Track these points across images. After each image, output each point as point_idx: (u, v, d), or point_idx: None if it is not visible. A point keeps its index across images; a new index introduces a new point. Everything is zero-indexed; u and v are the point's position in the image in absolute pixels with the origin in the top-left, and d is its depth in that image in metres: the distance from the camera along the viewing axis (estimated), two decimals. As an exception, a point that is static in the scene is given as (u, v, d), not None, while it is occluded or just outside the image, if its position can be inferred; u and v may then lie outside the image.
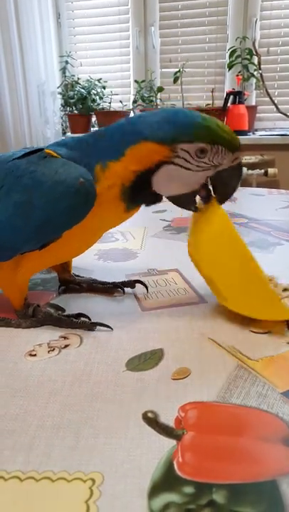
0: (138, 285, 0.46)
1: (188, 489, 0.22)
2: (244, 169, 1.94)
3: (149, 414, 0.27)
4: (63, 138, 0.40)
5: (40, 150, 0.37)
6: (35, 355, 0.34)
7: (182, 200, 0.38)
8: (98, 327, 0.38)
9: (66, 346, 0.35)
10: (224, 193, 0.39)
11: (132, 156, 0.35)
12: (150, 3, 2.12)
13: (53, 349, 0.35)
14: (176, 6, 2.09)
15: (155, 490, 0.22)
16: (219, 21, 2.05)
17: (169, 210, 0.80)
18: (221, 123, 0.36)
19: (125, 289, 0.46)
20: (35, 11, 2.08)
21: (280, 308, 0.37)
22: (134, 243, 0.62)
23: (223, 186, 0.38)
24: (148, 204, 0.39)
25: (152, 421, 0.27)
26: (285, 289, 0.45)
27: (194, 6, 2.06)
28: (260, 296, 0.37)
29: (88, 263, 0.54)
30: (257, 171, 1.96)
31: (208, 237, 0.39)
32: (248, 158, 1.97)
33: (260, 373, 0.31)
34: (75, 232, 0.35)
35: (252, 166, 1.98)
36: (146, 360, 0.33)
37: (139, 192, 0.36)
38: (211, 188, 0.38)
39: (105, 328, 0.38)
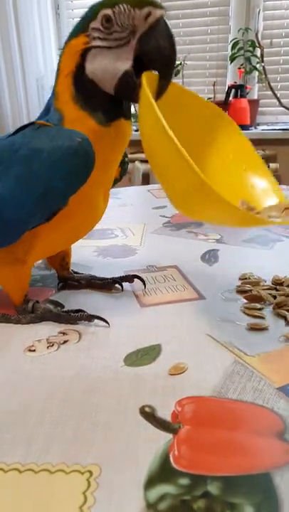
0: (137, 281, 0.46)
1: (184, 481, 0.22)
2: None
3: (146, 409, 0.28)
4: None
5: (32, 123, 0.37)
6: (34, 350, 0.35)
7: (124, 91, 0.34)
8: (96, 323, 0.38)
9: (65, 342, 0.36)
10: (157, 61, 0.33)
11: (63, 65, 0.35)
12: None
13: (52, 345, 0.36)
14: (178, -3, 2.07)
15: (151, 482, 0.22)
16: (221, 12, 2.03)
17: (169, 207, 0.80)
18: None
19: (124, 285, 0.46)
20: (34, 1, 2.06)
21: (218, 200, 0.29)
22: (133, 239, 0.63)
23: (151, 53, 0.33)
24: (115, 113, 0.36)
25: (149, 415, 0.27)
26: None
27: (196, -3, 2.04)
28: (195, 188, 0.31)
29: (88, 259, 0.54)
30: (258, 166, 1.95)
31: (140, 130, 0.34)
32: (249, 153, 1.96)
33: (256, 369, 0.32)
34: (78, 198, 0.35)
35: (253, 161, 1.97)
36: (143, 356, 0.34)
37: (89, 93, 0.35)
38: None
39: (103, 324, 0.38)
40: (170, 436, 0.25)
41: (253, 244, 0.59)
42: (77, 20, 0.36)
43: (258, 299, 0.42)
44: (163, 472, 0.23)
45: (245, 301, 0.42)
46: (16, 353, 0.34)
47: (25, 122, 1.44)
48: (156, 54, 0.33)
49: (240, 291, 0.44)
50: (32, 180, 0.34)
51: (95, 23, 0.33)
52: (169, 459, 0.24)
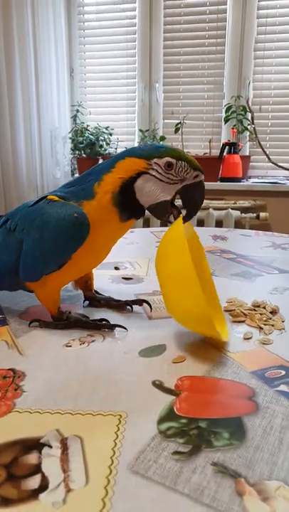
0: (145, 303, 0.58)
1: (183, 420, 0.33)
2: (238, 212, 2.11)
3: (157, 382, 0.39)
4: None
5: (45, 197, 0.49)
6: (70, 346, 0.46)
7: (158, 211, 0.47)
8: (116, 328, 0.50)
9: (93, 341, 0.47)
10: (190, 206, 0.48)
11: (119, 168, 0.46)
12: (155, 62, 2.38)
13: (84, 342, 0.47)
14: (178, 67, 2.35)
15: (161, 420, 0.33)
16: (216, 81, 2.30)
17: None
18: (183, 151, 0.47)
19: (134, 306, 0.58)
20: (53, 66, 2.33)
21: (209, 325, 0.43)
22: (140, 271, 0.75)
23: (188, 200, 0.47)
24: (136, 216, 0.48)
25: (159, 386, 0.38)
26: (272, 311, 0.56)
27: (194, 68, 2.32)
28: (195, 312, 0.43)
29: (106, 285, 0.66)
30: (250, 215, 2.13)
31: (161, 248, 0.46)
32: (241, 203, 2.14)
33: (236, 360, 0.43)
34: (82, 252, 0.48)
35: (245, 210, 2.15)
36: (153, 351, 0.45)
37: (126, 200, 0.46)
38: (179, 207, 0.48)
39: (122, 329, 0.50)
40: (174, 397, 0.36)
41: (240, 278, 0.72)
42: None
43: (240, 315, 0.54)
44: (169, 416, 0.34)
45: (231, 317, 0.54)
46: (56, 348, 0.46)
47: (38, 168, 1.73)
48: (193, 201, 0.48)
49: (227, 310, 0.56)
50: (44, 243, 0.47)
51: (158, 161, 0.45)
52: (173, 409, 0.35)
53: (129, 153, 0.47)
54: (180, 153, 0.46)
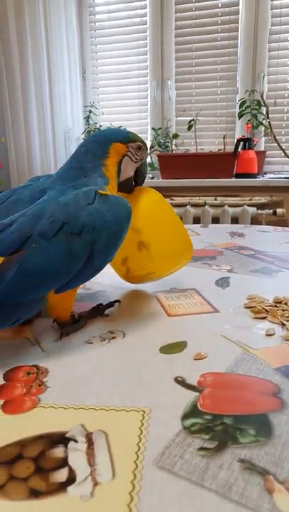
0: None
1: (208, 416, 0.33)
2: (254, 209, 2.09)
3: (179, 378, 0.39)
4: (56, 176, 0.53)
5: (96, 192, 0.47)
6: (92, 343, 0.46)
7: (126, 185, 0.57)
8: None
9: (113, 338, 0.48)
10: (141, 177, 0.59)
11: (112, 153, 0.53)
12: (167, 59, 2.37)
13: (104, 339, 0.47)
14: (191, 63, 2.34)
15: (185, 416, 0.33)
16: (230, 76, 2.28)
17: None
18: None
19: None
20: (66, 67, 2.35)
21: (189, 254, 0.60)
22: (158, 268, 0.75)
23: (141, 173, 0.59)
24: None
25: (181, 382, 0.38)
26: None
27: (207, 63, 2.30)
28: (182, 243, 0.58)
29: (115, 283, 0.66)
30: (266, 211, 2.10)
31: (147, 209, 0.56)
32: (257, 199, 2.12)
33: (259, 357, 0.43)
34: None
35: (262, 206, 2.13)
36: (174, 348, 0.45)
37: (119, 176, 0.55)
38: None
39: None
40: (197, 393, 0.36)
41: (259, 274, 0.71)
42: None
43: (261, 312, 0.53)
44: (193, 412, 0.34)
45: (252, 313, 0.53)
46: (78, 344, 0.46)
47: (52, 168, 1.76)
48: (144, 173, 0.60)
49: (248, 307, 0.55)
50: (115, 237, 0.47)
51: (132, 145, 0.55)
52: (197, 405, 0.34)
53: (112, 138, 0.54)
54: (141, 138, 0.57)
